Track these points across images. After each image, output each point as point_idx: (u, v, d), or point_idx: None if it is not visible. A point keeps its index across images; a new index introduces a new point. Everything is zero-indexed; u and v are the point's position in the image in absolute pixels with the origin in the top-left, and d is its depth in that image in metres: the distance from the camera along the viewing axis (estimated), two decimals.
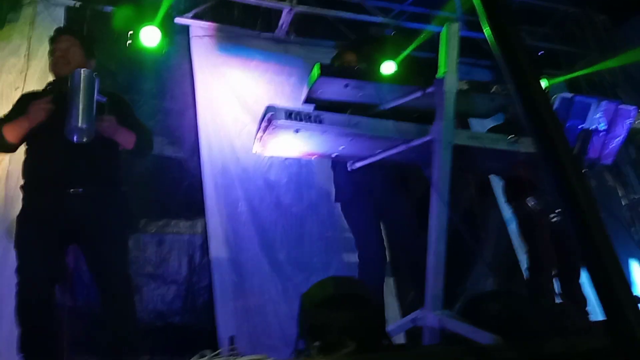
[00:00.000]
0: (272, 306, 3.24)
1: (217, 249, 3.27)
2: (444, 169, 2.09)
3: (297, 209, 3.62)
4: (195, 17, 3.87)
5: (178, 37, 3.81)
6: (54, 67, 2.56)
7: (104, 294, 2.41)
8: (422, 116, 2.36)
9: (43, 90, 2.62)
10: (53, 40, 2.58)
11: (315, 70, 2.17)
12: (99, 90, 2.34)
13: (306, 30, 4.19)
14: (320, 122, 2.07)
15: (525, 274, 3.41)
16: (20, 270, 2.32)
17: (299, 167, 3.74)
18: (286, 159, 3.66)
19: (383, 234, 2.94)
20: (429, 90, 2.20)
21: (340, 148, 2.28)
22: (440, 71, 2.17)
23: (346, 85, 2.20)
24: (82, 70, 2.31)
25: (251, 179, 3.60)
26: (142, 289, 3.02)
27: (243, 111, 3.73)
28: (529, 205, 3.15)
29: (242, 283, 3.25)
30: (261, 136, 2.16)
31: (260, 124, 2.12)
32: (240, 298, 3.19)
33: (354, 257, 3.20)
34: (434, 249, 2.03)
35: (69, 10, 3.51)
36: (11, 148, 2.47)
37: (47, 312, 2.33)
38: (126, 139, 2.47)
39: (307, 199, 3.69)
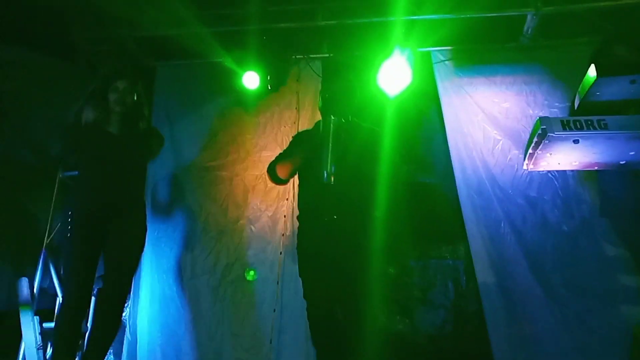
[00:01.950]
0: (551, 335, 2.95)
1: (483, 274, 3.17)
2: None
3: (568, 226, 3.26)
4: (435, 43, 3.94)
5: (421, 66, 3.93)
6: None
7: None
8: None
9: (313, 128, 2.99)
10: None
11: (591, 72, 1.95)
12: None
13: (554, 31, 3.84)
14: (605, 127, 1.85)
15: None
16: (305, 296, 2.66)
17: (563, 180, 3.38)
18: (548, 172, 3.37)
19: None
20: None
21: (630, 154, 1.99)
22: None
23: (633, 81, 1.91)
24: (335, 118, 2.56)
25: (510, 197, 3.40)
26: (413, 312, 3.11)
27: (493, 128, 3.59)
28: None
29: (513, 309, 3.06)
30: (533, 152, 2.03)
31: (531, 138, 2.00)
32: (513, 325, 3.01)
33: None
34: None
35: (324, 61, 3.98)
36: (283, 182, 2.88)
37: (335, 330, 2.59)
38: None
39: (578, 215, 3.29)
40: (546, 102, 3.61)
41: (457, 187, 3.43)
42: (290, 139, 3.72)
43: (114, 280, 2.60)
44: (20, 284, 3.29)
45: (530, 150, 1.99)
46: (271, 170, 2.82)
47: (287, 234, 3.49)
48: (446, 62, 3.92)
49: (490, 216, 3.32)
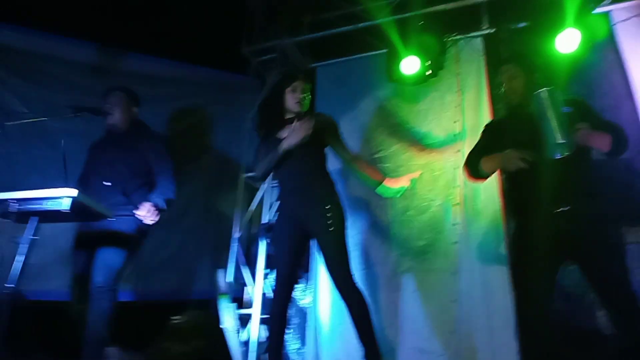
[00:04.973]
0: None
1: None
2: None
3: None
4: (614, 1, 3.49)
5: (595, 29, 3.51)
6: (505, 97, 2.76)
7: (611, 309, 2.38)
8: None
9: (505, 118, 2.83)
10: (501, 72, 2.76)
11: None
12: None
13: None
14: None
15: None
16: (516, 287, 2.54)
17: None
18: None
19: None
20: None
21: None
22: None
23: None
24: (544, 90, 2.39)
25: None
26: None
27: None
28: None
29: None
30: None
31: None
32: None
33: None
34: None
35: (485, 38, 3.76)
36: (484, 178, 2.72)
37: (544, 328, 2.42)
38: (601, 142, 2.41)
39: None
40: None
41: None
42: (454, 123, 3.63)
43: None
44: (218, 275, 3.72)
45: None
46: (473, 164, 2.67)
47: (459, 222, 3.38)
48: (630, 19, 3.44)
49: None
